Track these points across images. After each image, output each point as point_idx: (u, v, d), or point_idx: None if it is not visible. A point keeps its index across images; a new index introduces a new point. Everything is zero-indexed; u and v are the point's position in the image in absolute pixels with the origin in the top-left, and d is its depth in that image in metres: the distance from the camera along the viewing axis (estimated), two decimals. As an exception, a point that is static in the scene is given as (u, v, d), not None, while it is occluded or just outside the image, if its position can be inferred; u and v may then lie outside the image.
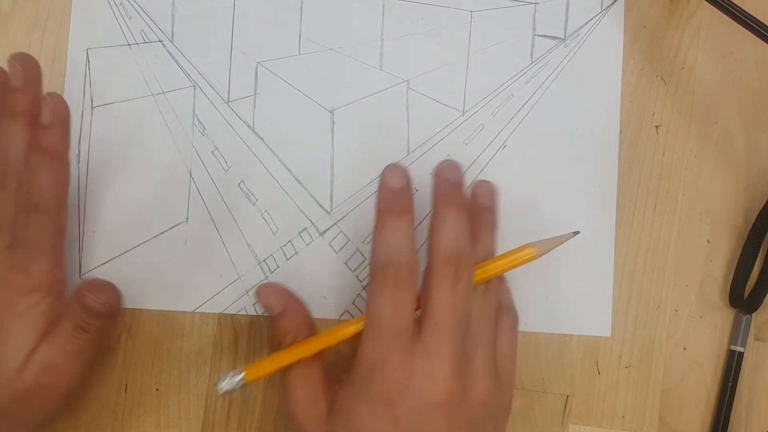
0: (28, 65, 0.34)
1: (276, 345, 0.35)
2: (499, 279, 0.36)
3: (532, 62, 0.41)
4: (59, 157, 0.34)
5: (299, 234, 0.40)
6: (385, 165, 0.34)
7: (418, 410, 0.31)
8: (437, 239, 0.33)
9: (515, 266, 0.34)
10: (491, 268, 0.34)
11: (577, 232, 0.36)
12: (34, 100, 0.34)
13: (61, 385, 0.35)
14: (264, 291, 0.35)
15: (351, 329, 0.34)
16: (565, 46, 0.41)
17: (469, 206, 0.36)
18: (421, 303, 0.33)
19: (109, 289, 0.36)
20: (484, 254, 0.35)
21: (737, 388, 0.40)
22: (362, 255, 0.40)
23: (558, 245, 0.35)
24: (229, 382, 0.33)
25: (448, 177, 0.35)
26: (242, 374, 0.33)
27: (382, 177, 0.34)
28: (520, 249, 0.34)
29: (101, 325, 0.35)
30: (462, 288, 0.32)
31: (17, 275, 0.33)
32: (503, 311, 0.36)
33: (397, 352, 0.31)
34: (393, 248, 0.33)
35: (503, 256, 0.34)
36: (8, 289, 0.33)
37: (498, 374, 0.34)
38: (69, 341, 0.34)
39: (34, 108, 0.34)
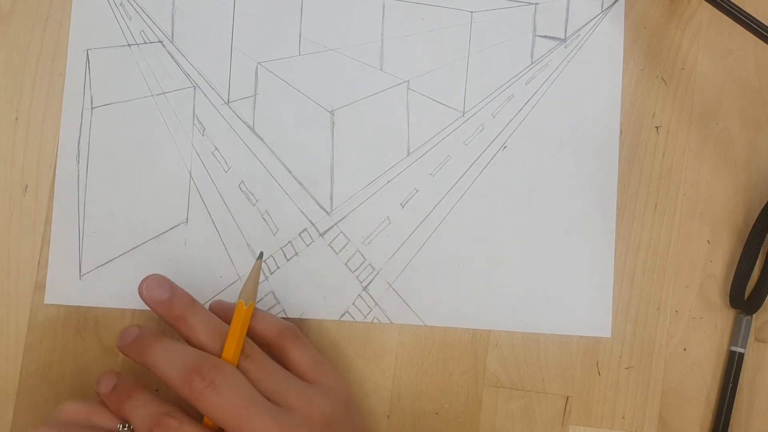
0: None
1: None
2: (256, 318, 0.36)
3: (532, 63, 0.41)
4: None
5: (299, 235, 0.40)
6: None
7: None
8: (164, 373, 0.32)
9: (246, 326, 0.34)
10: (232, 349, 0.33)
11: (261, 253, 0.37)
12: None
13: None
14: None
15: None
16: (565, 47, 0.41)
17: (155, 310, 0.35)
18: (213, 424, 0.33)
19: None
20: (216, 318, 0.35)
21: (737, 389, 0.40)
22: (362, 256, 0.40)
23: (257, 277, 0.35)
24: None
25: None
26: None
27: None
28: (239, 313, 0.34)
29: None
30: (223, 383, 0.31)
31: None
32: (278, 336, 0.35)
33: None
34: (144, 415, 0.33)
35: (232, 330, 0.34)
36: None
37: (321, 390, 0.34)
38: None
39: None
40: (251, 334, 0.35)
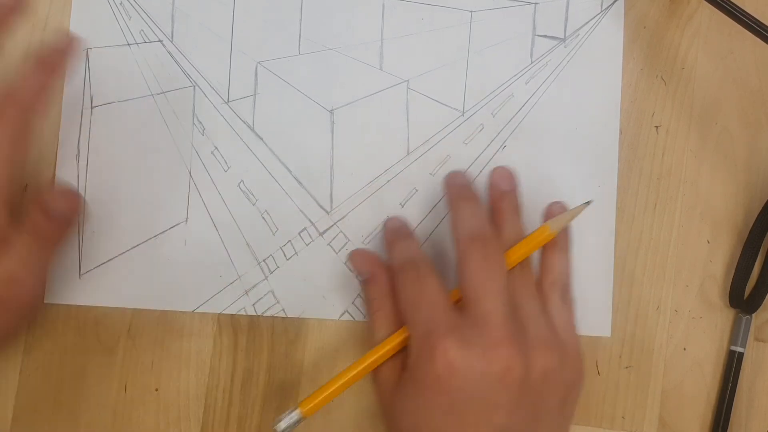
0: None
1: (366, 308, 0.39)
2: (556, 249, 0.37)
3: (532, 62, 0.41)
4: (56, 74, 0.36)
5: (299, 234, 0.40)
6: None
7: (474, 381, 0.31)
8: (458, 228, 0.34)
9: (537, 248, 0.35)
10: (513, 254, 0.35)
11: (589, 202, 0.36)
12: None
13: (21, 298, 0.35)
14: (355, 255, 0.38)
15: (395, 342, 0.35)
16: (565, 46, 0.41)
17: (488, 196, 0.38)
18: (459, 285, 0.33)
19: (70, 193, 0.37)
20: (513, 236, 0.36)
21: (737, 389, 0.40)
22: (362, 255, 0.40)
23: (572, 219, 0.36)
24: (287, 422, 0.34)
25: (455, 181, 0.38)
26: (298, 411, 0.34)
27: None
28: (539, 231, 0.35)
29: (62, 231, 0.36)
30: (493, 261, 0.33)
31: None
32: (549, 284, 0.36)
33: (439, 323, 0.32)
34: (404, 257, 0.36)
35: (525, 242, 0.35)
36: None
37: (559, 346, 0.33)
38: (28, 251, 0.34)
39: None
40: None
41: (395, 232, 0.38)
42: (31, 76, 0.35)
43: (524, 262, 0.35)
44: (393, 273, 0.36)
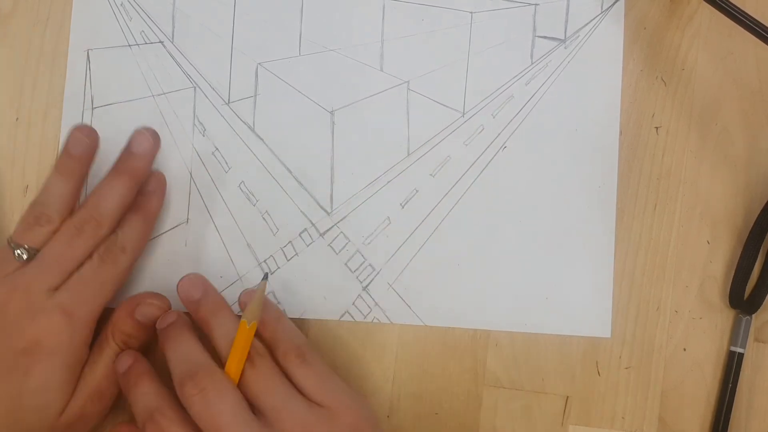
0: (153, 138, 0.39)
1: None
2: (267, 322, 0.36)
3: (532, 63, 0.41)
4: (152, 221, 0.39)
5: (299, 235, 0.40)
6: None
7: None
8: (170, 368, 0.34)
9: (248, 345, 0.34)
10: (232, 367, 0.33)
11: (266, 274, 0.38)
12: (144, 167, 0.38)
13: (105, 408, 0.37)
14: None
15: None
16: (565, 47, 0.41)
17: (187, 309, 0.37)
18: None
19: (157, 299, 0.38)
20: (230, 335, 0.34)
21: (737, 389, 0.40)
22: (362, 256, 0.40)
23: (262, 298, 0.35)
24: None
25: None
26: None
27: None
28: (241, 332, 0.34)
29: (147, 337, 0.38)
30: (211, 394, 0.32)
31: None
32: (282, 358, 0.35)
33: None
34: (146, 403, 0.34)
35: (234, 348, 0.34)
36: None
37: (322, 418, 0.33)
38: (112, 362, 0.36)
39: (141, 174, 0.38)
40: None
41: (131, 372, 0.36)
42: (135, 224, 0.37)
43: (250, 357, 0.34)
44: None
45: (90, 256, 0.36)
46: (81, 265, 0.36)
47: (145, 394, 0.34)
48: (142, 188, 0.38)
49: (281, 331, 0.36)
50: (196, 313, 0.36)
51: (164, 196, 0.39)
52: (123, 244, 0.36)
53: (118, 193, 0.36)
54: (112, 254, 0.36)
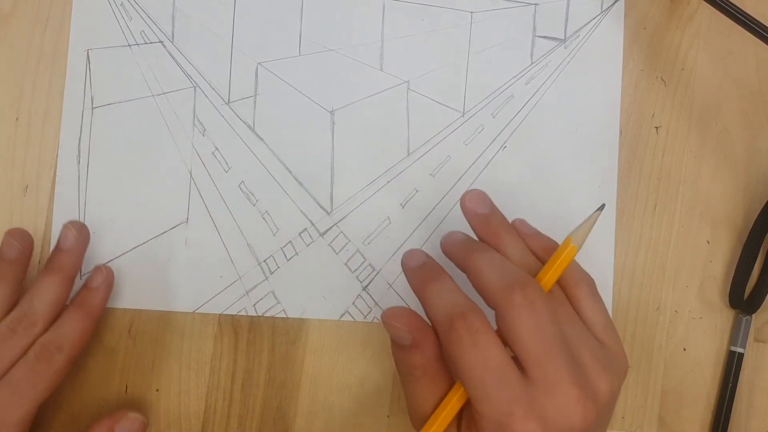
0: (79, 232, 0.38)
1: (404, 376, 0.33)
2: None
3: (532, 63, 0.41)
4: (94, 318, 0.37)
5: (299, 234, 0.40)
6: (405, 251, 0.35)
7: None
8: (485, 279, 0.31)
9: (565, 267, 0.32)
10: (548, 280, 0.32)
11: (603, 206, 0.34)
12: (73, 262, 0.37)
13: None
14: (392, 317, 0.32)
15: (451, 416, 0.31)
16: (565, 47, 0.41)
17: (471, 225, 0.35)
18: (508, 342, 0.30)
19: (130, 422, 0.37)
20: (520, 256, 0.33)
21: (737, 389, 0.40)
22: (362, 256, 0.40)
23: (592, 227, 0.33)
24: None
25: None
26: None
27: (404, 262, 0.34)
28: (564, 248, 0.32)
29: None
30: (540, 309, 0.30)
31: None
32: (574, 285, 0.33)
33: (515, 402, 0.29)
34: (447, 305, 0.31)
35: (552, 262, 0.32)
36: None
37: (611, 358, 0.31)
38: None
39: (70, 269, 0.37)
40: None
41: (422, 270, 0.33)
42: (73, 323, 0.37)
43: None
44: (437, 327, 0.31)
45: (24, 355, 0.35)
46: (14, 365, 0.35)
47: (451, 291, 0.32)
48: (87, 283, 0.38)
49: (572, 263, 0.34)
50: (486, 227, 0.34)
51: (110, 290, 0.39)
52: (59, 342, 0.35)
53: (50, 291, 0.36)
54: (47, 353, 0.35)
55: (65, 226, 0.38)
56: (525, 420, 0.28)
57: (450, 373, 0.32)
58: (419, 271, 0.33)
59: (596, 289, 0.33)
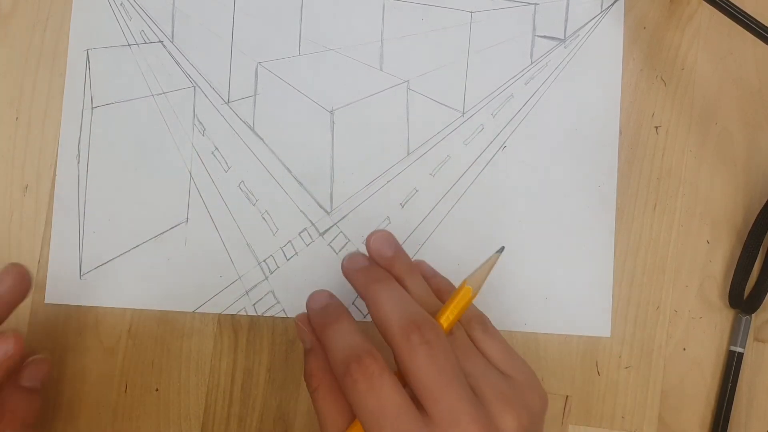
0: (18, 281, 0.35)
1: (306, 381, 0.33)
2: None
3: (532, 63, 0.41)
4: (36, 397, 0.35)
5: (299, 234, 0.40)
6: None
7: None
8: (383, 314, 0.31)
9: (464, 311, 0.32)
10: (445, 320, 0.32)
11: (502, 248, 0.34)
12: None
13: None
14: (299, 321, 0.33)
15: None
16: (565, 47, 0.41)
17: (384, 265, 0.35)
18: (407, 381, 0.30)
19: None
20: (425, 299, 0.33)
21: (737, 389, 0.40)
22: (362, 255, 0.40)
23: (490, 270, 0.33)
24: None
25: (354, 264, 0.34)
26: None
27: (308, 304, 0.34)
28: (459, 290, 0.32)
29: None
30: (436, 347, 0.29)
31: None
32: (466, 325, 0.33)
33: None
34: (344, 349, 0.30)
35: (448, 303, 0.32)
36: None
37: (516, 391, 0.31)
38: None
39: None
40: None
41: (323, 313, 0.33)
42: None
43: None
44: (335, 372, 0.30)
45: None
46: None
47: (349, 333, 0.31)
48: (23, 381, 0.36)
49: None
50: (391, 269, 0.34)
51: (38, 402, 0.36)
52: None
53: None
54: None
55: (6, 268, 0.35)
56: None
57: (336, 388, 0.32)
58: (320, 313, 0.33)
59: (491, 325, 0.34)
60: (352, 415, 0.30)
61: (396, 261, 0.34)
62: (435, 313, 0.32)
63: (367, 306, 0.32)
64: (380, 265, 0.34)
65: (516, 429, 0.30)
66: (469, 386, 0.30)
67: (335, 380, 0.31)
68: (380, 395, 0.29)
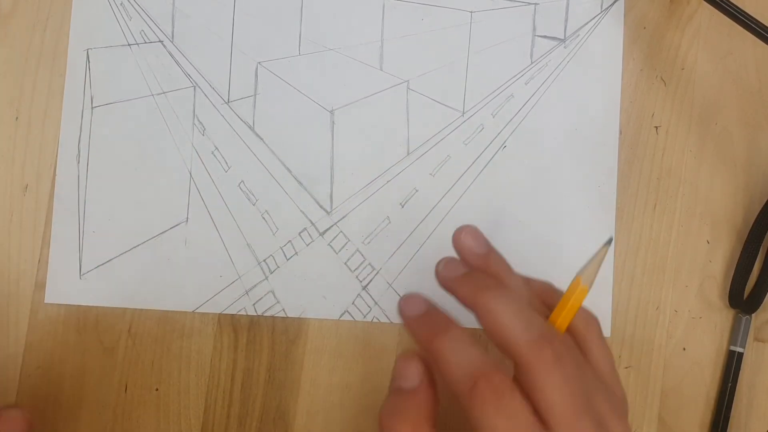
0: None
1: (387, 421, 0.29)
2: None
3: (532, 63, 0.41)
4: None
5: (299, 234, 0.40)
6: (402, 296, 0.31)
7: None
8: (504, 327, 0.28)
9: (577, 308, 0.30)
10: (561, 324, 0.30)
11: (610, 239, 0.32)
12: None
13: None
14: (403, 360, 0.29)
15: None
16: (564, 47, 0.41)
17: (467, 262, 0.32)
18: (532, 398, 0.27)
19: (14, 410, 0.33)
20: (539, 289, 0.32)
21: (737, 389, 0.40)
22: (362, 255, 0.40)
23: (601, 263, 0.31)
24: None
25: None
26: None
27: (401, 311, 0.31)
28: (574, 289, 0.30)
29: None
30: (568, 365, 0.27)
31: None
32: (584, 328, 0.31)
33: None
34: (467, 363, 0.28)
35: (563, 304, 0.30)
36: None
37: (620, 405, 0.30)
38: None
39: None
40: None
41: (428, 321, 0.30)
42: None
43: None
44: (454, 387, 0.28)
45: None
46: None
47: (469, 346, 0.28)
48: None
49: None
50: (487, 269, 0.31)
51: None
52: None
53: None
54: None
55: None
56: None
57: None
58: (424, 321, 0.30)
59: (602, 332, 0.32)
60: None
61: (491, 258, 0.32)
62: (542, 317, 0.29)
63: (480, 319, 0.29)
64: (474, 264, 0.32)
65: None
66: (593, 405, 0.28)
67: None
68: (510, 415, 0.27)
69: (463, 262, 0.32)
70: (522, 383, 0.28)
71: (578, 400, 0.27)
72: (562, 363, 0.27)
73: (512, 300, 0.29)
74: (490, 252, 0.32)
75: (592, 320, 0.31)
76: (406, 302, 0.31)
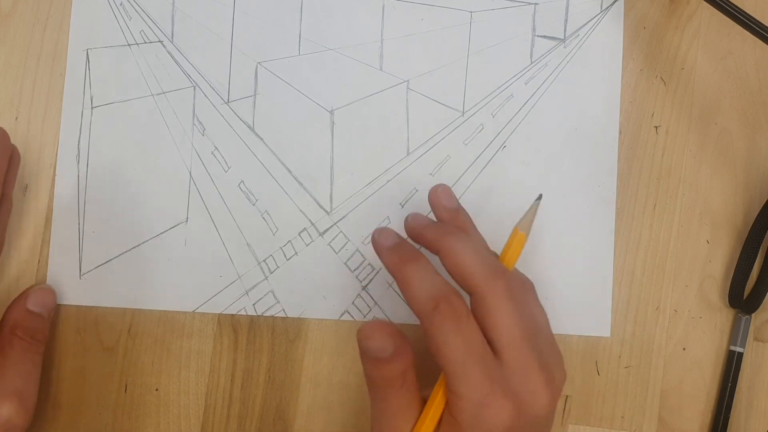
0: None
1: (383, 387, 0.32)
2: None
3: (531, 63, 0.41)
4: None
5: (299, 234, 0.40)
6: (376, 228, 0.35)
7: (531, 426, 0.31)
8: (464, 263, 0.31)
9: (518, 255, 0.34)
10: (509, 265, 0.33)
11: (540, 195, 0.36)
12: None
13: (29, 417, 0.35)
14: (372, 331, 0.31)
15: (436, 418, 0.32)
16: (564, 47, 0.41)
17: (438, 216, 0.36)
18: (484, 326, 0.31)
19: (45, 286, 0.38)
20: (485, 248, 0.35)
21: (736, 389, 0.40)
22: (362, 255, 0.40)
23: (534, 215, 0.35)
24: None
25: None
26: None
27: (374, 241, 0.34)
28: (513, 237, 0.34)
29: (48, 328, 0.38)
30: (519, 297, 0.31)
31: None
32: (523, 288, 0.34)
33: (494, 383, 0.30)
34: (430, 287, 0.31)
35: (506, 251, 0.34)
36: None
37: (555, 345, 0.33)
38: (21, 361, 0.36)
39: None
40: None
41: (399, 250, 0.33)
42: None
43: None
44: (417, 308, 0.31)
45: None
46: None
47: (432, 273, 0.32)
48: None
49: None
50: (455, 221, 0.35)
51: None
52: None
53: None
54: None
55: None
56: (503, 399, 0.30)
57: (417, 381, 0.33)
58: (396, 250, 0.33)
59: (536, 294, 0.35)
60: (418, 402, 0.32)
61: (460, 214, 0.36)
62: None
63: (443, 258, 0.32)
64: (444, 218, 0.35)
65: (562, 382, 0.32)
66: (536, 336, 0.31)
67: (413, 379, 0.32)
68: (467, 335, 0.30)
69: (437, 213, 0.36)
70: (476, 313, 0.31)
71: (526, 328, 0.31)
72: (513, 294, 0.31)
73: (473, 243, 0.32)
74: (460, 209, 0.36)
75: (528, 283, 0.34)
76: (380, 233, 0.34)
